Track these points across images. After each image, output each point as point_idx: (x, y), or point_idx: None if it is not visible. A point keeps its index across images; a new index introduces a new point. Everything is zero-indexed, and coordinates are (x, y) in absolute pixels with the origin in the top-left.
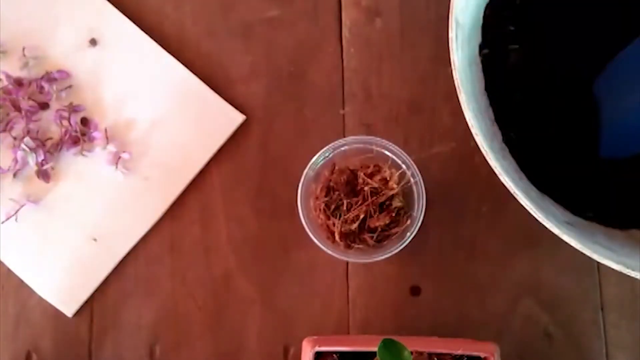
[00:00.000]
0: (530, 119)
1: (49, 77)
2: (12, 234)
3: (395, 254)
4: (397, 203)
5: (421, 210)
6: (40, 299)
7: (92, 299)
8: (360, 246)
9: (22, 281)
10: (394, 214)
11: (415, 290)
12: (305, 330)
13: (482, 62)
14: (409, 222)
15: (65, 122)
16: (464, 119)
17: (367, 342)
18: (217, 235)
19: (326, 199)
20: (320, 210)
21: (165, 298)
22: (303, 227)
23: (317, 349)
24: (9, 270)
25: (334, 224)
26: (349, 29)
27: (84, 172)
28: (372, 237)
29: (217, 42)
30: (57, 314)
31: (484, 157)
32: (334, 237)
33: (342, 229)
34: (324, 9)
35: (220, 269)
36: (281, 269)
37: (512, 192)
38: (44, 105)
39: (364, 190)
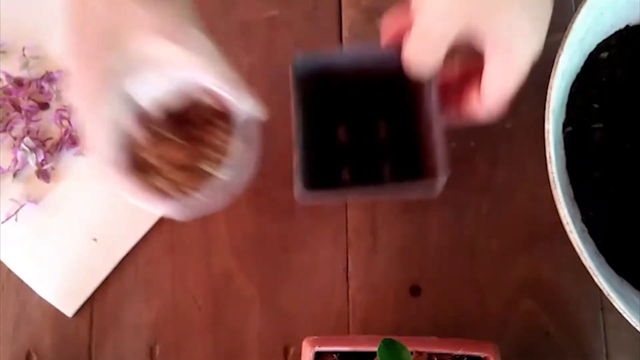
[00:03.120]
0: (610, 198)
1: (49, 77)
2: (12, 234)
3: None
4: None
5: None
6: (40, 299)
7: (92, 299)
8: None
9: (22, 281)
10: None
11: (415, 290)
12: (305, 330)
13: (565, 139)
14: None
15: (65, 122)
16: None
17: (367, 342)
18: (217, 235)
19: None
20: None
21: (165, 298)
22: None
23: (317, 349)
24: (9, 270)
25: None
26: (349, 29)
27: (84, 172)
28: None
29: (216, 42)
30: (57, 314)
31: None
32: None
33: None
34: (324, 9)
35: (220, 269)
36: (281, 269)
37: (596, 281)
38: (44, 105)
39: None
